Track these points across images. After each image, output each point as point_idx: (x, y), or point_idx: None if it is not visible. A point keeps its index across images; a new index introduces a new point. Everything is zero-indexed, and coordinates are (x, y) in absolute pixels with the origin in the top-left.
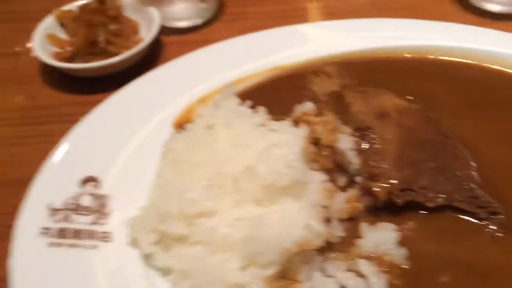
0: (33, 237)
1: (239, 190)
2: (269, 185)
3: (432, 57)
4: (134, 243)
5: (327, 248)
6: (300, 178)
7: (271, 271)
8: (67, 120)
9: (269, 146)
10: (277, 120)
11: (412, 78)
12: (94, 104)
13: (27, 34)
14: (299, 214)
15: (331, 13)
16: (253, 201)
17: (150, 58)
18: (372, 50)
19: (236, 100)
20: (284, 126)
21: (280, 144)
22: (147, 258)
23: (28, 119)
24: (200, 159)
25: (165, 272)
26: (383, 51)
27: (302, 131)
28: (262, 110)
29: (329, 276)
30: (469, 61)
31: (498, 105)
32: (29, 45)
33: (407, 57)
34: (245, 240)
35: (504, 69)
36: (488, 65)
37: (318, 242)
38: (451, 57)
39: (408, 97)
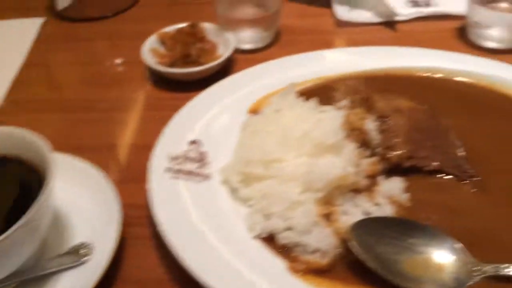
0: (160, 173)
1: (299, 147)
2: (319, 144)
3: (437, 76)
4: (225, 181)
5: (356, 191)
6: (340, 141)
7: (319, 196)
8: (171, 109)
9: (319, 119)
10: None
11: (421, 90)
12: (187, 99)
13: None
14: (340, 163)
15: (355, 42)
16: (307, 155)
17: (224, 69)
18: (388, 68)
19: (295, 94)
20: (330, 109)
21: (327, 119)
22: (234, 192)
23: (148, 106)
24: (271, 129)
25: (246, 201)
26: (397, 70)
27: (341, 113)
28: (314, 100)
29: (356, 206)
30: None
31: (490, 113)
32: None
33: (418, 75)
34: (303, 174)
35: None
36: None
37: (352, 180)
38: (453, 76)
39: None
